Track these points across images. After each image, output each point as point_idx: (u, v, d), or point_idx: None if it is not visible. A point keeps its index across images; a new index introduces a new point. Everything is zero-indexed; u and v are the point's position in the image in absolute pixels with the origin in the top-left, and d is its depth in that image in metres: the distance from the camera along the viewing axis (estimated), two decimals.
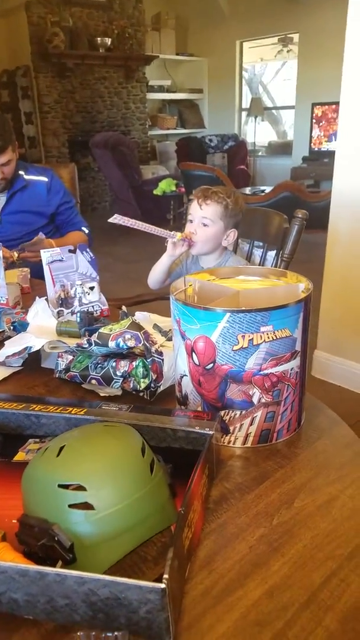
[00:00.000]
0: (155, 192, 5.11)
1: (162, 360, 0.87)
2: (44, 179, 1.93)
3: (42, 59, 5.54)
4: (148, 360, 0.86)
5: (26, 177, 1.90)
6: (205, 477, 0.62)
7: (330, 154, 5.79)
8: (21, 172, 1.88)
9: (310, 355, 2.40)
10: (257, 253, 1.57)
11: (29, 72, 5.62)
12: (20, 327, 1.21)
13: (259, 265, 1.55)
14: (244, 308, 0.74)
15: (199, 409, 0.77)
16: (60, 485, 0.51)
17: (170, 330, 1.08)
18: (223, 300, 0.78)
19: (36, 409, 0.73)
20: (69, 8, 5.62)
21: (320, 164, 5.81)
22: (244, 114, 7.06)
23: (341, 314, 2.30)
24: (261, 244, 1.55)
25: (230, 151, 6.52)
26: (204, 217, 1.40)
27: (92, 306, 1.35)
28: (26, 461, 0.73)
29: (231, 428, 0.75)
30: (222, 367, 0.72)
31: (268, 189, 5.22)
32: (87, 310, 1.27)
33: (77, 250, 1.33)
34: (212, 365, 0.73)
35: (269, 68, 7.72)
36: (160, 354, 0.87)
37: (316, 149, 6.02)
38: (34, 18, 5.41)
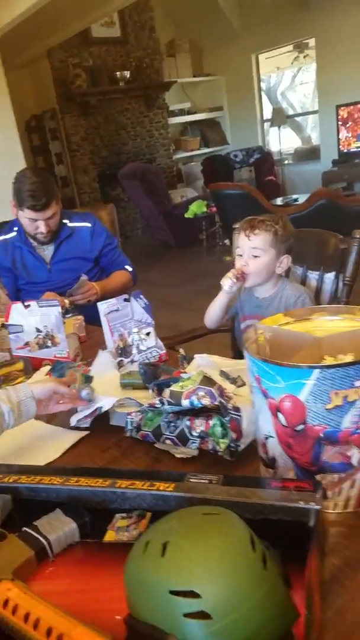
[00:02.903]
0: (186, 215, 5.12)
1: (240, 416, 0.82)
2: (87, 224, 1.95)
3: (66, 100, 5.72)
4: (226, 418, 0.82)
5: (70, 224, 1.93)
6: (318, 562, 0.56)
7: None
8: (65, 221, 1.91)
9: None
10: (313, 277, 1.51)
11: (55, 114, 5.81)
12: (85, 380, 1.19)
13: (316, 289, 1.49)
14: (332, 360, 0.69)
15: (291, 473, 0.72)
16: (171, 592, 0.47)
17: (238, 376, 1.03)
18: (306, 352, 0.73)
19: (122, 485, 0.70)
20: (87, 48, 5.80)
21: (351, 165, 5.67)
22: (266, 125, 7.02)
23: None
24: (316, 267, 1.49)
25: (257, 164, 6.48)
26: (254, 247, 1.35)
27: (150, 352, 1.32)
28: (118, 542, 0.70)
29: (329, 493, 0.69)
30: (315, 428, 0.67)
31: (301, 197, 5.14)
32: (148, 361, 1.24)
33: (131, 297, 1.32)
34: (302, 426, 0.68)
35: (286, 76, 7.69)
36: (237, 409, 0.83)
37: (345, 150, 5.89)
38: (55, 63, 5.61)
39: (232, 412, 0.82)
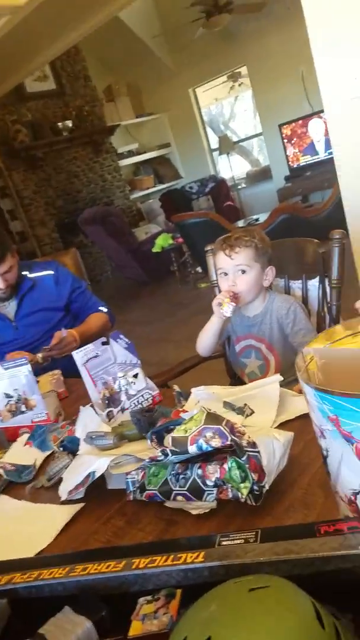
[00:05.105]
0: (154, 249, 5.09)
1: (259, 452, 0.71)
2: (50, 272, 1.84)
3: (11, 156, 5.64)
4: (242, 458, 0.71)
5: (31, 275, 1.81)
6: None
7: (310, 167, 5.79)
8: (25, 273, 1.80)
9: None
10: (296, 286, 1.44)
11: (1, 172, 5.74)
12: (70, 444, 1.06)
13: (302, 298, 1.41)
14: None
15: None
16: None
17: (245, 405, 0.93)
18: None
19: (141, 565, 0.57)
20: (24, 104, 5.79)
21: (303, 178, 5.78)
22: (215, 154, 7.16)
23: None
24: (298, 275, 1.42)
25: (213, 192, 6.55)
26: (239, 264, 1.28)
27: (142, 395, 1.21)
28: (147, 634, 0.56)
29: None
30: None
31: (261, 217, 5.17)
32: (141, 407, 1.12)
33: (110, 339, 1.21)
34: None
35: (225, 106, 7.92)
36: (254, 445, 0.72)
37: (295, 165, 6.02)
38: None
39: (248, 449, 0.70)
